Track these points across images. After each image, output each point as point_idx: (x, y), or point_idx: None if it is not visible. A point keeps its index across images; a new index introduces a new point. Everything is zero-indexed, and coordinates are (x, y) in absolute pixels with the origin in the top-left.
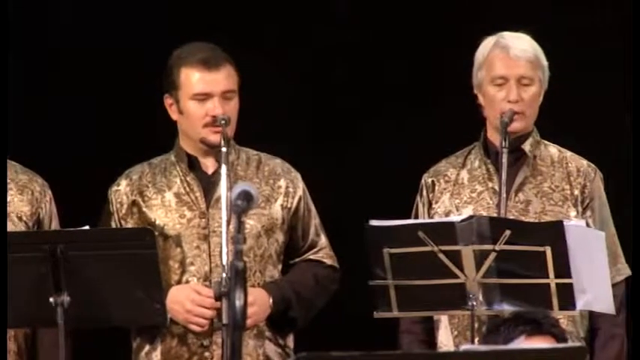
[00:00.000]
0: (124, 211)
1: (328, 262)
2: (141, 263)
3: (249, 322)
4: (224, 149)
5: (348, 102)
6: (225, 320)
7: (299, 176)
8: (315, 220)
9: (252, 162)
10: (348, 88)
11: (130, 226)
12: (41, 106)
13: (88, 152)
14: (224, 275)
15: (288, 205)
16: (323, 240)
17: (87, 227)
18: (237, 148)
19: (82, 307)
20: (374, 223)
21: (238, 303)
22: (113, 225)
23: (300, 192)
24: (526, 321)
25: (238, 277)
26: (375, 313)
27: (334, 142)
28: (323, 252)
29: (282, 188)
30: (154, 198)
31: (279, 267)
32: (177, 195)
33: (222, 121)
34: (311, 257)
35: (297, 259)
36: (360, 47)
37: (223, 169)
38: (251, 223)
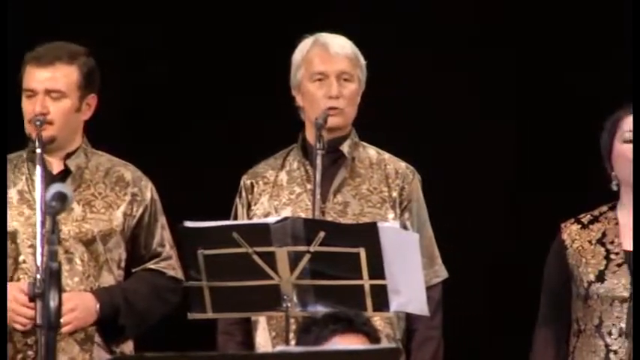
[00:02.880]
0: None
1: (170, 272)
2: None
3: (70, 327)
4: (38, 150)
5: (168, 102)
6: (39, 321)
7: (150, 185)
8: (162, 231)
9: (101, 167)
10: (169, 87)
11: None
12: None
13: None
14: (38, 276)
15: (133, 214)
16: (168, 251)
17: None
18: (91, 151)
19: None
20: (188, 224)
21: (52, 303)
22: None
23: (147, 201)
24: (337, 319)
25: (52, 277)
26: (188, 314)
27: (153, 142)
28: (166, 262)
29: (128, 196)
30: None
31: (118, 274)
32: (20, 192)
33: (37, 122)
34: (151, 267)
35: (137, 268)
36: (183, 45)
37: (38, 170)
38: (86, 227)
